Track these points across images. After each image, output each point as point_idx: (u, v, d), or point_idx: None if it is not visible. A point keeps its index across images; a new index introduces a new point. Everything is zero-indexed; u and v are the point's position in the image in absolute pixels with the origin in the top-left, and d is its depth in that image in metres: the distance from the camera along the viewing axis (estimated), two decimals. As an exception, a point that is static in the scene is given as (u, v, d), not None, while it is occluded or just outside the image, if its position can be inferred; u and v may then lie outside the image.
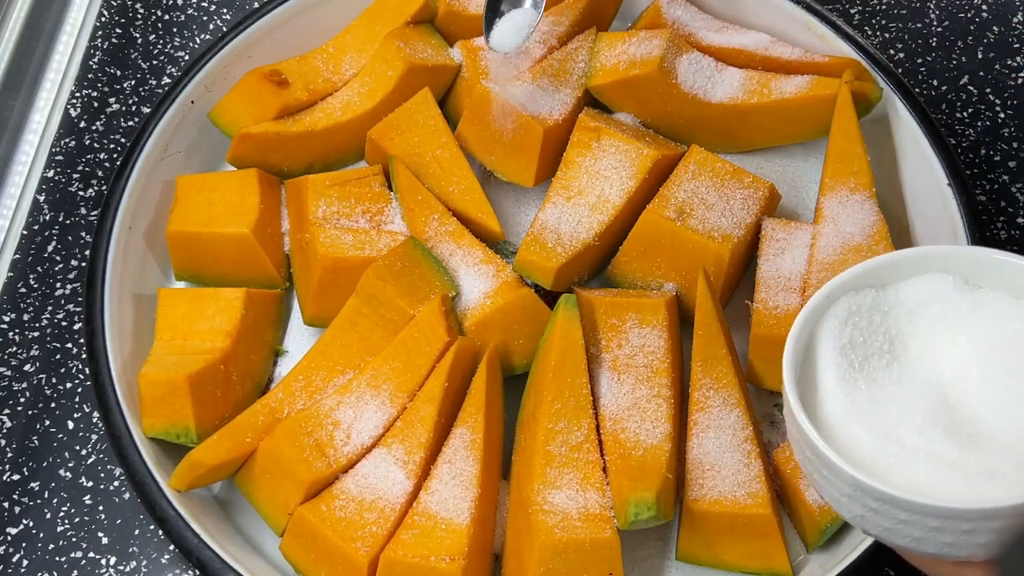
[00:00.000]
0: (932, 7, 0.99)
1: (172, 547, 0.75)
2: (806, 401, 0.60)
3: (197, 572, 0.72)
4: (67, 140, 0.93)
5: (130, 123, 0.94)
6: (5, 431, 0.81)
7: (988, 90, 0.95)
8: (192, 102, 0.88)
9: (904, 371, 0.61)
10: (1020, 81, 0.95)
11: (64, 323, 0.85)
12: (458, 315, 0.79)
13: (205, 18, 1.00)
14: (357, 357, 0.78)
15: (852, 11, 0.99)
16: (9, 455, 0.80)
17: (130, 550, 0.77)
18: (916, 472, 0.57)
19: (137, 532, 0.77)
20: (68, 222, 0.89)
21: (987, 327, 0.61)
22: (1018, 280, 0.62)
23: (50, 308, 0.86)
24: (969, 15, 0.99)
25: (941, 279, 0.63)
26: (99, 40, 0.98)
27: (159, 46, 0.98)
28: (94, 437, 0.81)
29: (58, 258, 0.88)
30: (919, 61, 0.96)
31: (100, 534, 0.77)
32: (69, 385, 0.83)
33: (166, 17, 1.00)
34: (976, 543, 0.54)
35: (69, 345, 0.84)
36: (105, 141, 0.93)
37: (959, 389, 0.60)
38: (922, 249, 0.64)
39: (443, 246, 0.82)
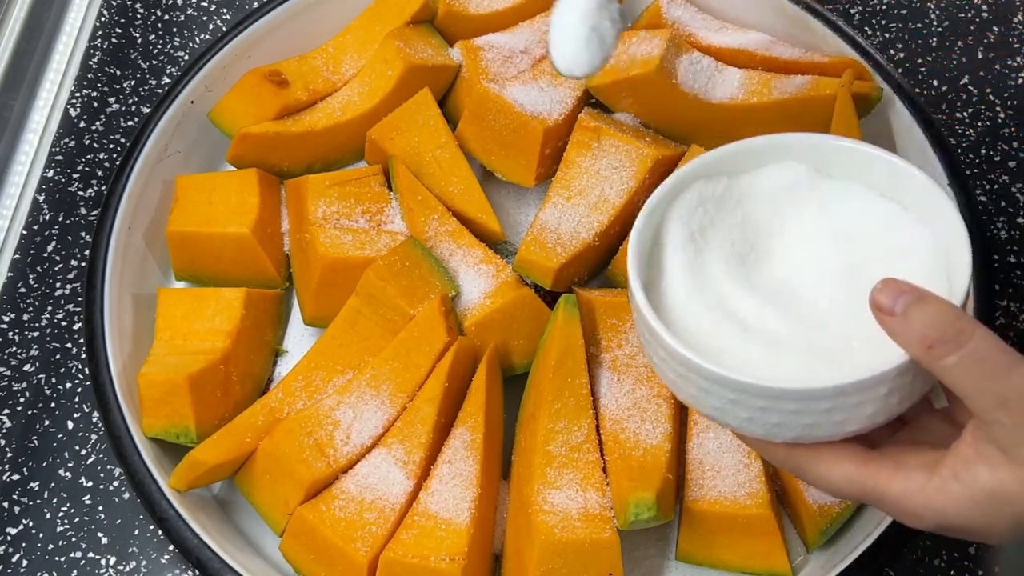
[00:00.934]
0: (932, 7, 0.99)
1: (172, 547, 0.75)
2: (652, 286, 0.60)
3: (197, 572, 0.72)
4: (67, 140, 0.93)
5: (130, 123, 0.94)
6: (5, 431, 0.81)
7: (988, 90, 0.95)
8: (192, 102, 0.88)
9: (749, 257, 0.61)
10: (1020, 81, 0.95)
11: (64, 323, 0.85)
12: (458, 315, 0.79)
13: (205, 18, 1.00)
14: (357, 357, 0.78)
15: (852, 11, 0.99)
16: (9, 455, 0.80)
17: (130, 550, 0.77)
18: (750, 352, 0.57)
19: (137, 532, 0.77)
20: (68, 222, 0.89)
21: (834, 215, 0.62)
22: (869, 169, 0.62)
23: (50, 308, 0.86)
24: (969, 15, 0.99)
25: (794, 168, 0.63)
26: (99, 40, 0.98)
27: (159, 46, 0.98)
28: (94, 437, 0.81)
29: (58, 258, 0.88)
30: (919, 61, 0.96)
31: (100, 534, 0.77)
32: (69, 385, 0.83)
33: (166, 17, 1.00)
34: (804, 423, 0.54)
35: (69, 345, 0.84)
36: (105, 141, 0.93)
37: (803, 275, 0.60)
38: (775, 137, 0.64)
39: (443, 246, 0.82)
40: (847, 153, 0.62)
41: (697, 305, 0.59)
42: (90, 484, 0.79)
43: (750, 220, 0.63)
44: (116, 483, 0.79)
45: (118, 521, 0.78)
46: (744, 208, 0.63)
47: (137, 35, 0.99)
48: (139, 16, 1.00)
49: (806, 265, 0.61)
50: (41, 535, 0.77)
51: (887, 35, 0.98)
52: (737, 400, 0.55)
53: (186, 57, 0.98)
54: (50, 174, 0.91)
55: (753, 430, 0.56)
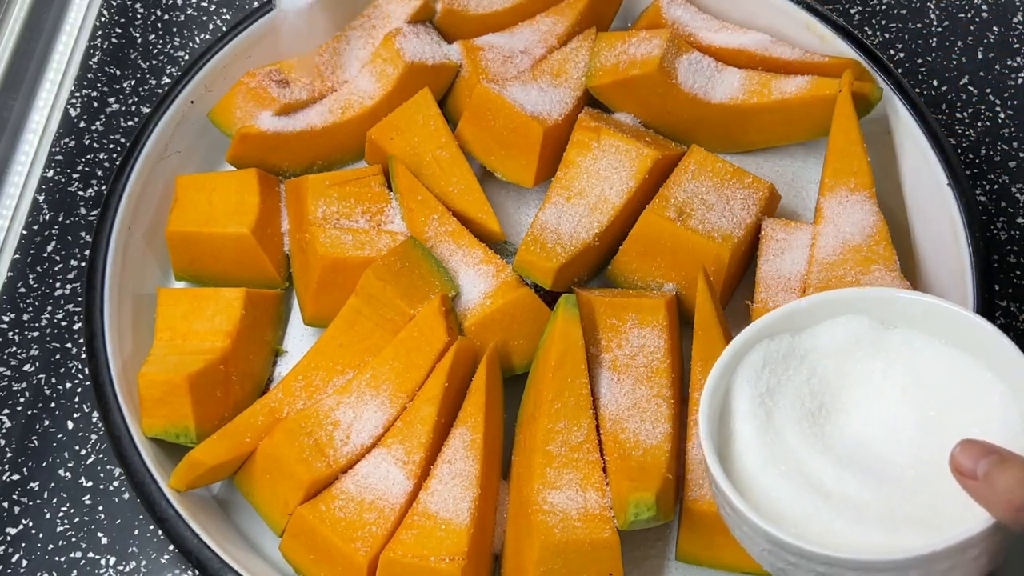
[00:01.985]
0: (932, 7, 0.99)
1: (172, 547, 0.75)
2: (724, 453, 0.60)
3: (196, 572, 0.72)
4: (67, 140, 0.93)
5: (130, 123, 0.94)
6: (5, 431, 0.81)
7: (988, 90, 0.95)
8: (192, 102, 0.88)
9: (820, 416, 0.61)
10: (1020, 81, 0.95)
11: (64, 323, 0.85)
12: (458, 315, 0.79)
13: (205, 18, 1.00)
14: (357, 357, 0.78)
15: (852, 11, 0.99)
16: (9, 455, 0.80)
17: (130, 550, 0.77)
18: (834, 522, 0.57)
19: (137, 532, 0.77)
20: (68, 222, 0.89)
21: (902, 367, 0.61)
22: (930, 319, 0.62)
23: (50, 308, 0.86)
24: (969, 15, 0.99)
25: (856, 320, 0.63)
26: (99, 40, 0.98)
27: (159, 46, 0.98)
28: (94, 437, 0.81)
29: (58, 258, 0.88)
30: (919, 61, 0.96)
31: (100, 534, 0.77)
32: (69, 385, 0.83)
33: (166, 17, 1.00)
34: None
35: (69, 345, 0.84)
36: (105, 141, 0.93)
37: (877, 432, 0.60)
38: (835, 292, 0.64)
39: (443, 246, 0.82)
40: (908, 304, 0.62)
41: (774, 473, 0.59)
42: (90, 484, 0.79)
43: (818, 377, 0.62)
44: (116, 483, 0.79)
45: (118, 521, 0.78)
46: (810, 365, 0.63)
47: (137, 35, 0.99)
48: (139, 16, 1.00)
49: (879, 421, 0.60)
50: (41, 535, 0.77)
51: (887, 35, 0.98)
52: (827, 573, 0.55)
53: (186, 57, 0.98)
54: (50, 174, 0.91)
55: None
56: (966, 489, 0.53)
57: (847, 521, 0.56)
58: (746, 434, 0.60)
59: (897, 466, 0.59)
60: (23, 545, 0.77)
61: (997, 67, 0.96)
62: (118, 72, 0.97)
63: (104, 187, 0.90)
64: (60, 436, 0.81)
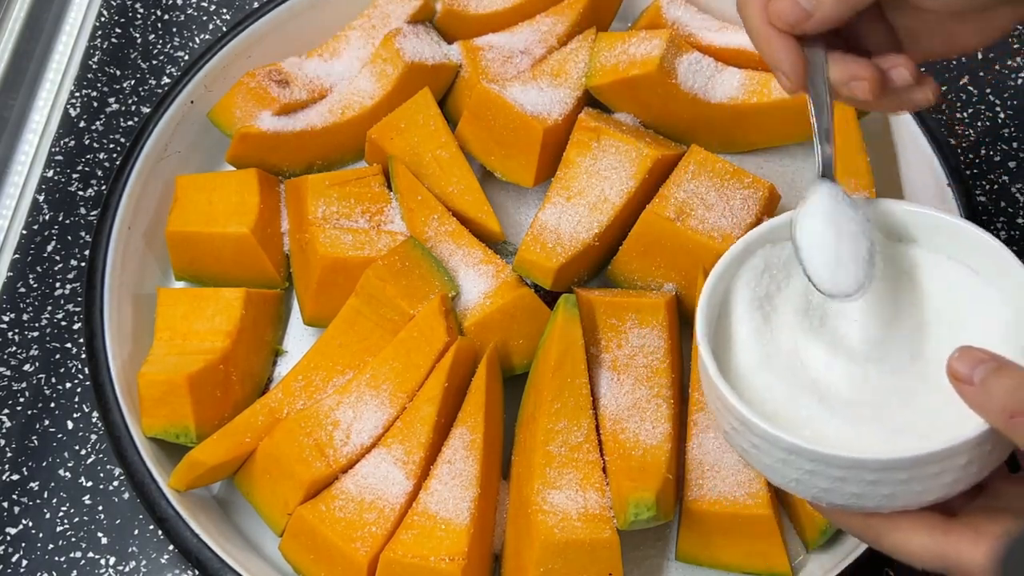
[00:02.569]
0: (932, 7, 0.99)
1: (171, 547, 0.75)
2: (720, 353, 0.60)
3: (196, 572, 0.72)
4: (67, 140, 0.93)
5: (130, 123, 0.94)
6: (4, 431, 0.81)
7: (988, 90, 0.95)
8: (192, 102, 0.88)
9: (818, 324, 0.61)
10: (1020, 81, 0.95)
11: (64, 323, 0.85)
12: (458, 315, 0.79)
13: (205, 18, 1.00)
14: (357, 357, 0.78)
15: (852, 11, 0.99)
16: (8, 455, 0.80)
17: (129, 550, 0.77)
18: (825, 421, 0.57)
19: (136, 532, 0.77)
20: (68, 222, 0.89)
21: (903, 279, 0.61)
22: (936, 233, 0.62)
23: (49, 308, 0.86)
24: (969, 15, 0.99)
25: None
26: (99, 40, 0.98)
27: (159, 46, 0.98)
28: (93, 437, 0.81)
29: (57, 258, 0.88)
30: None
31: (99, 534, 0.77)
32: (68, 385, 0.83)
33: (166, 17, 1.00)
34: (882, 493, 0.54)
35: (68, 345, 0.84)
36: (105, 141, 0.93)
37: (874, 340, 0.60)
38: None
39: (443, 246, 0.82)
40: (914, 218, 0.62)
41: (769, 373, 0.59)
42: (90, 484, 0.79)
43: None
44: (116, 483, 0.79)
45: (118, 521, 0.78)
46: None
47: (137, 35, 0.99)
48: (139, 16, 1.00)
49: (876, 330, 0.60)
50: (41, 535, 0.77)
51: (887, 35, 0.98)
52: (815, 471, 0.55)
53: (186, 57, 0.98)
54: (50, 174, 0.91)
55: (831, 500, 0.56)
56: (961, 395, 0.53)
57: (840, 422, 0.56)
58: (743, 335, 0.60)
59: (893, 371, 0.59)
60: (23, 545, 0.77)
61: (997, 67, 0.96)
62: (118, 72, 0.97)
63: (104, 187, 0.90)
64: (60, 436, 0.81)
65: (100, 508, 0.78)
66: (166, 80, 0.96)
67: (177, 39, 0.99)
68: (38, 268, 0.87)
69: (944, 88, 0.95)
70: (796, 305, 0.62)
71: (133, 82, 0.96)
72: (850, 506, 0.56)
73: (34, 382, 0.83)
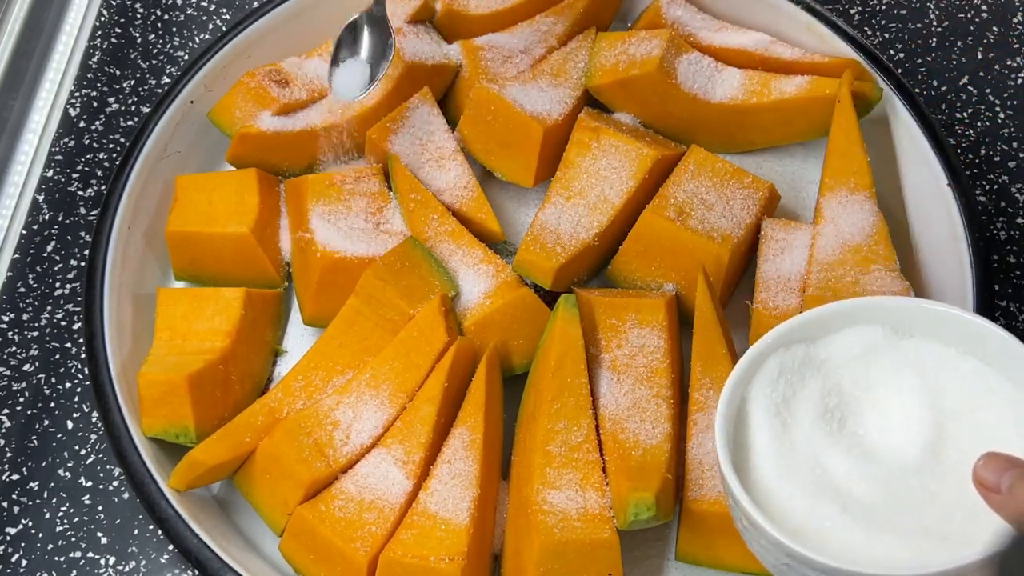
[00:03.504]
0: (932, 7, 0.99)
1: (171, 547, 0.75)
2: (740, 464, 0.60)
3: (196, 572, 0.72)
4: (66, 140, 0.93)
5: (130, 123, 0.94)
6: (4, 431, 0.81)
7: (988, 90, 0.95)
8: (192, 102, 0.88)
9: (836, 428, 0.61)
10: (1020, 81, 0.95)
11: (63, 323, 0.85)
12: (458, 315, 0.79)
13: (205, 18, 1.00)
14: (356, 357, 0.78)
15: (852, 11, 0.99)
16: (8, 455, 0.80)
17: (129, 550, 0.77)
18: (851, 534, 0.56)
19: (136, 532, 0.77)
20: (67, 222, 0.89)
21: (918, 377, 0.61)
22: (946, 328, 0.62)
23: (49, 308, 0.86)
24: (969, 15, 0.99)
25: (871, 329, 0.63)
26: (98, 40, 0.98)
27: (158, 46, 0.98)
28: (93, 437, 0.81)
29: (57, 258, 0.88)
30: (919, 61, 0.96)
31: (99, 534, 0.77)
32: (68, 385, 0.83)
33: (165, 17, 1.00)
34: None
35: (68, 345, 0.84)
36: (104, 141, 0.93)
37: (896, 443, 0.60)
38: (850, 302, 0.64)
39: (443, 246, 0.82)
40: (923, 313, 0.62)
41: (790, 484, 0.58)
42: (90, 484, 0.79)
43: (833, 387, 0.62)
44: (116, 483, 0.79)
45: (118, 521, 0.78)
46: (825, 375, 0.62)
47: (137, 35, 0.99)
48: (139, 16, 1.00)
49: (895, 431, 0.60)
50: (41, 535, 0.77)
51: (887, 35, 0.98)
52: None
53: (186, 57, 0.98)
54: (50, 174, 0.91)
55: None
56: (989, 503, 0.53)
57: (864, 532, 0.56)
58: (762, 444, 0.60)
59: (914, 476, 0.58)
60: (23, 545, 0.77)
61: (997, 67, 0.96)
62: (118, 72, 0.97)
63: (104, 187, 0.90)
64: (60, 436, 0.81)
65: (100, 508, 0.78)
66: (166, 80, 0.96)
67: (177, 39, 0.99)
68: (38, 268, 0.87)
69: (944, 88, 0.95)
70: (814, 409, 0.61)
71: (133, 82, 0.96)
72: None
73: (34, 382, 0.83)
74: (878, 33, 0.98)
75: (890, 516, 0.57)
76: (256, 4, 0.99)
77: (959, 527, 0.55)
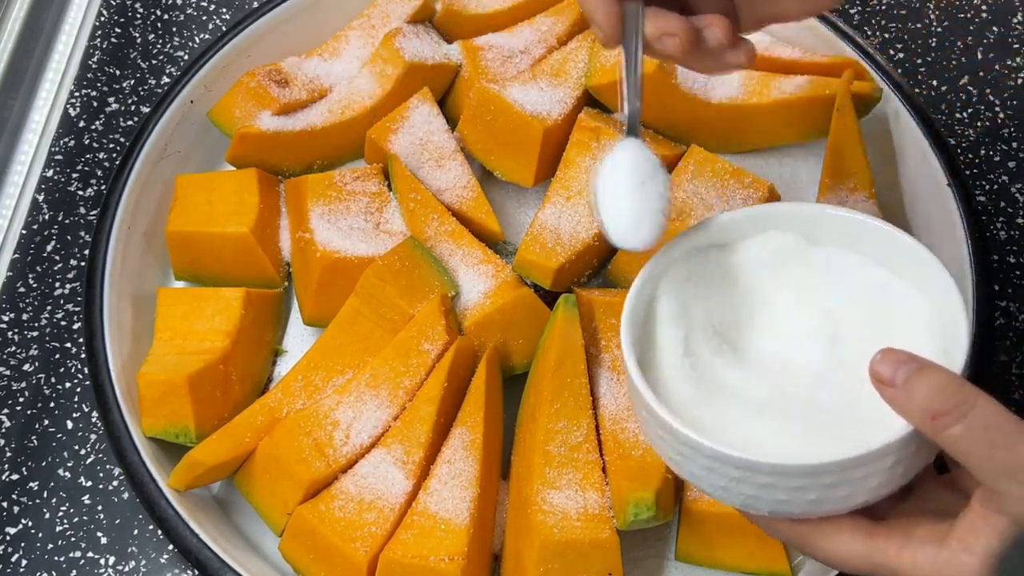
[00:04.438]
0: (932, 7, 0.99)
1: (171, 547, 0.75)
2: (645, 360, 0.60)
3: (196, 572, 0.72)
4: (66, 140, 0.93)
5: (129, 123, 0.94)
6: (4, 431, 0.81)
7: (988, 90, 0.95)
8: (192, 102, 0.88)
9: (741, 332, 0.61)
10: (1020, 81, 0.95)
11: (63, 323, 0.85)
12: (458, 315, 0.79)
13: (205, 18, 1.00)
14: (356, 357, 0.78)
15: (852, 11, 0.99)
16: (8, 455, 0.80)
17: (129, 550, 0.77)
18: (748, 428, 0.57)
19: (136, 532, 0.77)
20: (67, 222, 0.89)
21: (824, 283, 0.62)
22: (859, 236, 0.62)
23: (49, 308, 0.86)
24: (969, 15, 0.99)
25: (782, 236, 0.63)
26: (98, 40, 0.98)
27: (158, 46, 0.98)
28: (93, 437, 0.81)
29: (57, 258, 0.88)
30: (919, 61, 0.96)
31: (99, 534, 0.77)
32: (68, 385, 0.83)
33: (165, 17, 1.00)
34: (808, 499, 0.54)
35: (68, 345, 0.84)
36: (104, 141, 0.93)
37: (796, 345, 0.60)
38: (762, 207, 0.64)
39: (442, 246, 0.82)
40: (835, 221, 0.62)
41: (691, 384, 0.59)
42: (89, 484, 0.79)
43: (739, 291, 0.62)
44: (116, 483, 0.79)
45: (117, 521, 0.78)
46: (732, 279, 0.63)
47: (137, 35, 0.99)
48: (139, 16, 1.00)
49: (798, 335, 0.60)
50: (40, 535, 0.77)
51: (887, 35, 0.98)
52: (741, 478, 0.55)
53: (186, 57, 0.98)
54: (49, 174, 0.91)
55: (758, 507, 0.56)
56: (884, 397, 0.53)
57: (761, 429, 0.56)
58: (665, 344, 0.60)
59: (814, 376, 0.59)
60: (23, 545, 0.77)
61: (997, 67, 0.96)
62: (118, 72, 0.97)
63: (104, 187, 0.90)
64: (60, 436, 0.81)
65: (100, 508, 0.78)
66: (166, 80, 0.96)
67: (177, 39, 0.99)
68: (38, 268, 0.87)
69: (944, 88, 0.95)
70: (713, 319, 0.62)
71: (133, 82, 0.96)
72: (778, 512, 0.56)
73: (34, 382, 0.83)
74: (878, 33, 0.98)
75: (787, 415, 0.57)
76: (256, 4, 0.99)
77: (861, 427, 0.55)
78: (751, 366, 0.60)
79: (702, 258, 0.63)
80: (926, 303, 0.59)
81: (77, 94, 0.95)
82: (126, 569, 0.76)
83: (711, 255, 0.63)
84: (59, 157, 0.92)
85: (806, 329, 0.60)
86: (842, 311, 0.61)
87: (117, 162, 0.87)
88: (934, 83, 0.95)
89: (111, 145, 0.93)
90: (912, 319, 0.59)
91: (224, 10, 1.00)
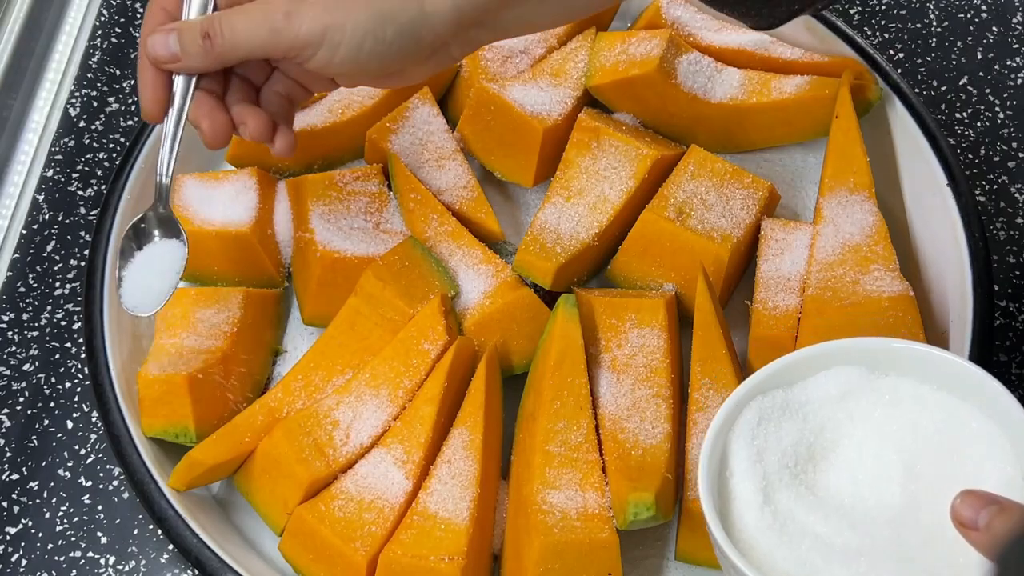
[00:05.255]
0: (932, 7, 0.99)
1: (171, 547, 0.75)
2: (725, 513, 0.60)
3: (196, 572, 0.72)
4: (66, 139, 0.93)
5: (130, 123, 0.94)
6: (4, 431, 0.81)
7: (988, 90, 0.95)
8: (192, 102, 0.88)
9: (816, 472, 0.61)
10: (1020, 81, 0.95)
11: (63, 323, 0.85)
12: (457, 315, 0.79)
13: (205, 18, 1.00)
14: (356, 357, 0.78)
15: (852, 11, 0.99)
16: (8, 455, 0.80)
17: (129, 550, 0.77)
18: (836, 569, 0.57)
19: (136, 532, 0.77)
20: (67, 222, 0.89)
21: (895, 417, 0.62)
22: (925, 366, 0.62)
23: (49, 308, 0.86)
24: (969, 15, 0.99)
25: (848, 371, 0.63)
26: (98, 40, 0.98)
27: (159, 46, 0.98)
28: (93, 437, 0.81)
29: (57, 258, 0.88)
30: (919, 61, 0.96)
31: (99, 534, 0.77)
32: (68, 385, 0.83)
33: (166, 17, 1.00)
34: None
35: (68, 345, 0.84)
36: (104, 141, 0.93)
37: (870, 485, 0.60)
38: (827, 344, 0.64)
39: (442, 246, 0.82)
40: (901, 352, 0.63)
41: (775, 532, 0.59)
42: (89, 484, 0.79)
43: (811, 430, 0.62)
44: (115, 483, 0.79)
45: (117, 521, 0.78)
46: (803, 419, 0.63)
47: (137, 35, 0.99)
48: (139, 16, 1.00)
49: (874, 473, 0.60)
50: (40, 535, 0.77)
51: (886, 35, 0.98)
52: None
53: (186, 57, 0.98)
54: (49, 173, 0.91)
55: None
56: (968, 540, 0.54)
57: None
58: (744, 494, 0.60)
59: (894, 516, 0.59)
60: (23, 545, 0.77)
61: (997, 67, 0.96)
62: (118, 72, 0.97)
63: (103, 187, 0.90)
64: (60, 436, 0.81)
65: (100, 508, 0.78)
66: (166, 80, 0.96)
67: (177, 39, 0.99)
68: (38, 268, 0.87)
69: (944, 88, 0.95)
70: (788, 462, 0.62)
71: (133, 82, 0.96)
72: None
73: (34, 382, 0.83)
74: (878, 33, 0.98)
75: (874, 562, 0.57)
76: (256, 4, 0.99)
77: (941, 566, 0.56)
78: (831, 509, 0.59)
79: (770, 401, 0.63)
80: (1000, 434, 0.59)
81: (77, 94, 0.95)
82: (126, 569, 0.76)
83: (778, 397, 0.64)
84: (59, 157, 0.92)
85: (881, 465, 0.60)
86: (915, 443, 0.61)
87: (117, 162, 0.87)
88: (934, 83, 0.95)
89: (111, 145, 0.93)
90: (987, 452, 0.59)
91: (224, 10, 1.00)
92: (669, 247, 0.80)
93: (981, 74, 0.96)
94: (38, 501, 0.78)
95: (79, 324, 0.85)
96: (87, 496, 0.79)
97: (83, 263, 0.87)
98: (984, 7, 0.99)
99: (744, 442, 0.62)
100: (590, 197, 0.82)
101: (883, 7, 0.99)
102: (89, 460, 0.80)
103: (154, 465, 0.74)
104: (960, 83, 0.95)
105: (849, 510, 0.60)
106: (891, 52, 0.97)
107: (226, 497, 0.78)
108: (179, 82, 0.65)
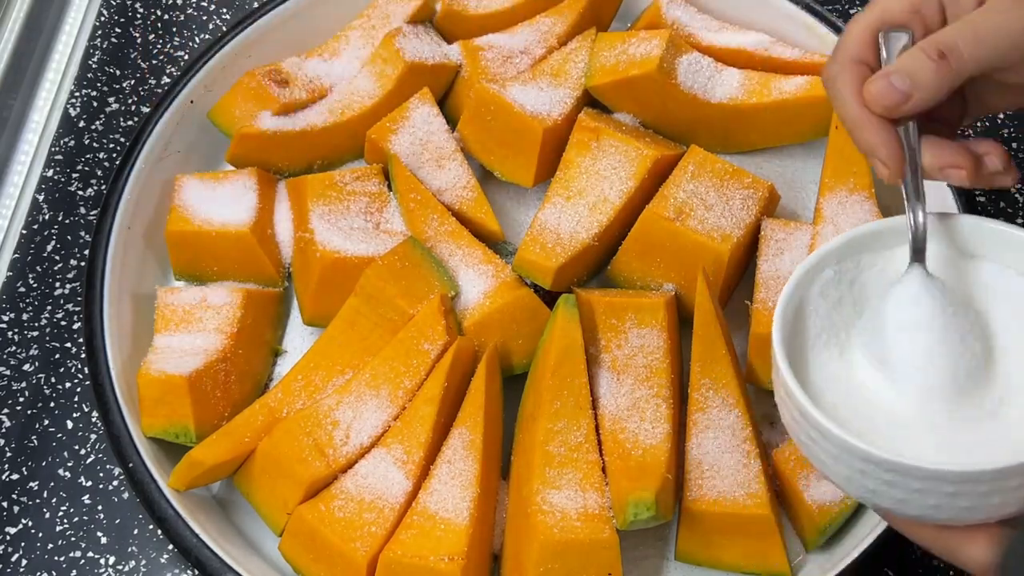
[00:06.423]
0: (932, 7, 0.99)
1: (171, 547, 0.75)
2: (795, 364, 0.59)
3: (196, 572, 0.72)
4: (66, 139, 0.93)
5: (130, 123, 0.94)
6: (4, 431, 0.81)
7: (988, 90, 0.94)
8: (192, 102, 0.88)
9: (885, 347, 0.61)
10: (1020, 81, 0.95)
11: (63, 323, 0.85)
12: (458, 315, 0.79)
13: (205, 18, 1.00)
14: (356, 357, 0.78)
15: (852, 11, 0.99)
16: (8, 455, 0.80)
17: (129, 550, 0.77)
18: (901, 433, 0.57)
19: (136, 532, 0.77)
20: (67, 222, 0.89)
21: (976, 300, 0.61)
22: (1008, 250, 0.61)
23: (49, 308, 0.86)
24: (969, 15, 0.99)
25: (931, 246, 0.63)
26: (98, 40, 0.98)
27: (158, 46, 0.98)
28: (93, 437, 0.81)
29: (57, 258, 0.88)
30: (919, 61, 0.96)
31: (99, 534, 0.77)
32: (68, 385, 0.83)
33: (165, 17, 1.00)
34: (960, 506, 0.54)
35: (68, 345, 0.84)
36: (104, 141, 0.93)
37: (946, 361, 0.59)
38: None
39: (442, 246, 0.82)
40: (984, 232, 0.62)
41: (845, 384, 0.59)
42: (89, 484, 0.79)
43: (886, 301, 0.61)
44: (116, 483, 0.79)
45: (117, 521, 0.78)
46: (883, 284, 0.62)
47: (137, 35, 0.99)
48: (139, 16, 1.00)
49: (945, 357, 0.59)
50: (40, 535, 0.77)
51: (887, 35, 0.98)
52: (892, 482, 0.54)
53: (186, 57, 0.98)
54: (49, 173, 0.91)
55: (906, 511, 0.56)
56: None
57: (914, 434, 0.56)
58: (818, 346, 0.60)
59: (965, 384, 0.58)
60: (23, 545, 0.77)
61: (997, 67, 0.96)
62: (118, 72, 0.97)
63: (104, 187, 0.90)
64: (60, 436, 0.81)
65: (100, 508, 0.78)
66: (166, 80, 0.96)
67: (177, 39, 0.99)
68: (38, 268, 0.87)
69: (944, 88, 0.95)
70: (864, 328, 0.61)
71: (133, 82, 0.96)
72: (925, 518, 0.56)
73: (34, 382, 0.83)
74: (878, 33, 0.98)
75: (944, 420, 0.57)
76: (256, 4, 0.99)
77: (1016, 441, 0.55)
78: (901, 387, 0.59)
79: (851, 265, 0.63)
80: None
81: (77, 94, 0.95)
82: (126, 569, 0.76)
83: (863, 260, 0.63)
84: (59, 157, 0.92)
85: (958, 347, 0.59)
86: (994, 325, 0.60)
87: (117, 162, 0.87)
88: (934, 83, 0.95)
89: (111, 145, 0.93)
90: None
91: (224, 10, 1.00)
92: (669, 247, 0.80)
93: (981, 74, 0.95)
94: (38, 501, 0.78)
95: (79, 324, 0.85)
96: (87, 496, 0.79)
97: (83, 263, 0.87)
98: (984, 7, 0.99)
99: (821, 298, 0.61)
100: (590, 197, 0.82)
101: (883, 7, 0.99)
102: (89, 460, 0.80)
103: (154, 465, 0.74)
104: (960, 83, 0.95)
105: (917, 391, 0.58)
106: (891, 52, 0.97)
107: (226, 497, 0.78)
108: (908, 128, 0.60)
